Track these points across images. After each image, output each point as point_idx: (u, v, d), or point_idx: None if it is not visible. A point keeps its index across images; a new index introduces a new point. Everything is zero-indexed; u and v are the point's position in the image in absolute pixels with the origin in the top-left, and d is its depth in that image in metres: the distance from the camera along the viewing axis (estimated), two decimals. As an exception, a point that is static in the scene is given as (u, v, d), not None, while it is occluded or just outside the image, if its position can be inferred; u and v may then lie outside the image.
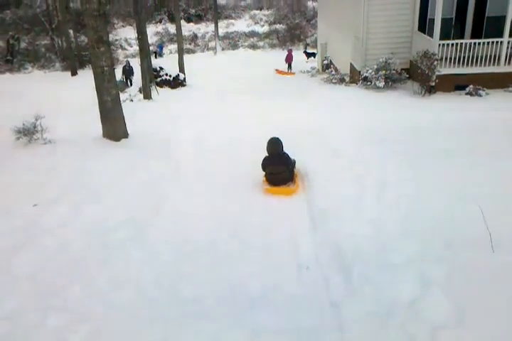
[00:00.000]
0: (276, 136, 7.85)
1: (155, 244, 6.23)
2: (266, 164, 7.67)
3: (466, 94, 13.70)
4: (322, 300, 4.87)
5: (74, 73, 27.90)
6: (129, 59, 29.27)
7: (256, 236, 6.32)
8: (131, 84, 21.34)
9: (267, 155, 7.73)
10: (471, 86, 13.68)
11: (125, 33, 36.68)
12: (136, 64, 19.70)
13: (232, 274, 5.46)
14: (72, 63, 28.34)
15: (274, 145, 7.65)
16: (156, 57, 31.65)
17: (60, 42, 31.64)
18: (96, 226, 6.71)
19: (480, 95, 13.50)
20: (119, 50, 34.10)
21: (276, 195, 7.51)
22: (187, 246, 6.14)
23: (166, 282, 5.39)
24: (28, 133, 10.45)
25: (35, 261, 5.85)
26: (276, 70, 25.62)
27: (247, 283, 5.27)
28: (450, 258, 5.12)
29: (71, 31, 29.88)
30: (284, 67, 25.86)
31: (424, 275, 4.86)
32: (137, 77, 19.17)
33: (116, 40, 35.07)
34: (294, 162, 7.97)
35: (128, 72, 21.68)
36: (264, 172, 7.83)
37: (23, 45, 33.01)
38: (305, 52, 29.45)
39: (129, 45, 35.63)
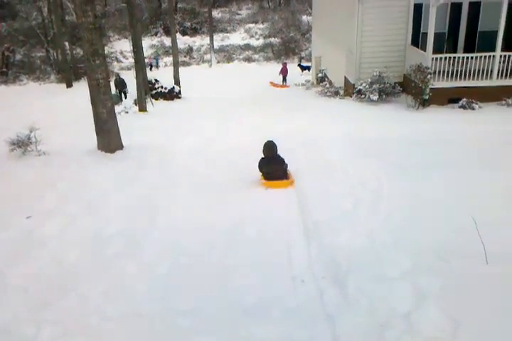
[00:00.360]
0: (271, 140, 8.52)
1: (149, 256, 6.21)
2: (262, 165, 8.40)
3: (460, 107, 13.82)
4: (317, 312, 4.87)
5: (69, 85, 27.96)
6: (124, 71, 29.40)
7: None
8: (125, 97, 20.96)
9: (262, 157, 8.38)
10: (464, 99, 13.81)
11: (120, 46, 36.85)
12: (131, 76, 19.74)
13: (227, 286, 5.43)
14: (68, 75, 28.42)
15: (270, 148, 8.35)
16: (151, 69, 31.78)
17: (55, 54, 31.74)
18: (90, 239, 6.69)
19: (473, 108, 13.62)
20: (115, 63, 34.22)
21: (273, 188, 8.22)
22: (181, 259, 6.11)
23: (160, 294, 5.36)
24: (23, 144, 10.44)
25: (29, 274, 5.82)
26: (271, 83, 25.78)
27: (243, 295, 5.26)
28: (444, 270, 5.12)
29: (66, 43, 29.99)
30: (279, 79, 26.03)
31: (418, 288, 4.86)
32: (131, 90, 19.18)
33: (112, 52, 35.22)
34: (286, 165, 8.54)
35: (120, 84, 21.05)
36: (260, 173, 8.51)
37: (18, 57, 33.09)
38: (299, 65, 29.66)
39: (125, 57, 35.75)
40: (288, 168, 8.59)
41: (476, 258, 5.18)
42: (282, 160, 8.37)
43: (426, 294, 4.74)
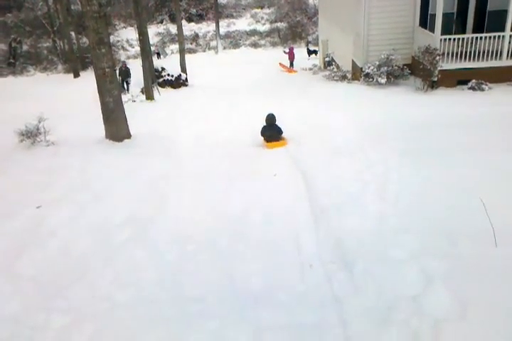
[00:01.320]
0: (272, 113, 10.50)
1: (158, 243, 6.25)
2: (263, 131, 10.48)
3: (469, 88, 13.64)
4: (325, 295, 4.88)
5: (76, 75, 27.95)
6: (129, 60, 29.32)
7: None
8: (127, 88, 20.36)
9: (264, 124, 10.42)
10: (474, 80, 13.62)
11: (126, 34, 36.69)
12: (138, 65, 19.69)
13: (234, 272, 5.46)
14: (74, 65, 28.39)
15: (270, 118, 10.45)
16: (158, 57, 31.63)
17: (61, 44, 31.69)
18: (99, 227, 6.74)
19: (483, 90, 13.44)
20: (121, 51, 34.13)
21: (271, 146, 10.13)
22: (189, 245, 6.15)
23: (168, 281, 5.40)
24: (31, 135, 10.50)
25: (39, 262, 5.88)
26: (280, 64, 25.80)
27: (251, 280, 5.28)
28: (452, 253, 5.10)
29: (73, 33, 29.92)
30: (287, 63, 25.91)
31: (426, 271, 4.85)
32: (138, 78, 19.12)
33: (118, 41, 35.09)
34: (282, 132, 10.40)
35: (124, 73, 20.28)
36: (262, 137, 10.54)
37: (25, 47, 33.08)
38: (308, 49, 29.41)
39: (131, 45, 35.62)
40: (283, 135, 10.46)
41: (485, 241, 5.15)
42: (279, 128, 10.38)
43: (434, 276, 4.72)
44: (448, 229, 5.67)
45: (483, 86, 13.47)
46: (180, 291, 5.20)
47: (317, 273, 5.26)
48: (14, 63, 31.13)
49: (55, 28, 32.17)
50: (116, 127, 10.83)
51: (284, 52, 27.35)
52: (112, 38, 22.64)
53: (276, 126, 10.35)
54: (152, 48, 28.13)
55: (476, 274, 4.69)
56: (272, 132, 10.30)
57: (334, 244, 5.79)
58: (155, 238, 6.37)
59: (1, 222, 6.92)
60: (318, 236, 6.06)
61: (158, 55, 31.99)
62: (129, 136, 11.03)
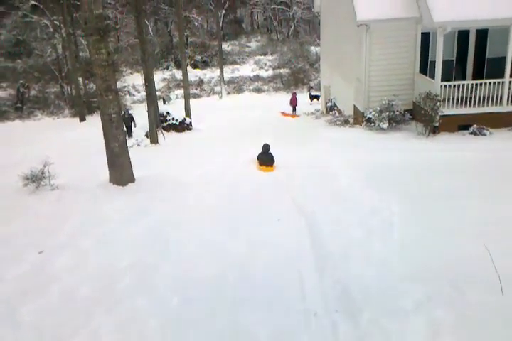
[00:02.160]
0: (267, 143, 12.81)
1: (161, 289, 6.17)
2: (259, 156, 12.65)
3: (470, 133, 13.77)
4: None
5: (82, 119, 28.42)
6: (136, 104, 29.83)
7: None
8: (130, 134, 19.99)
9: (261, 152, 12.63)
10: (475, 126, 13.77)
11: (133, 80, 37.53)
12: (143, 109, 20.02)
13: (238, 320, 5.35)
14: (81, 110, 28.92)
15: (265, 147, 12.64)
16: (164, 103, 32.18)
17: (69, 89, 32.39)
18: (102, 273, 6.68)
19: (484, 134, 13.57)
20: (127, 96, 34.80)
21: (264, 170, 12.00)
22: (193, 292, 6.06)
23: (171, 329, 5.29)
24: (36, 179, 10.55)
25: (41, 310, 5.80)
26: (282, 113, 26.00)
27: (255, 330, 5.16)
28: (459, 301, 5.01)
29: (80, 79, 30.63)
30: (289, 109, 26.25)
31: (433, 320, 4.75)
32: (143, 123, 19.40)
33: (124, 86, 35.85)
34: (274, 160, 12.37)
35: (127, 120, 19.97)
36: (257, 160, 12.63)
37: (33, 92, 33.79)
38: (310, 94, 29.92)
39: (137, 91, 36.36)
40: (275, 163, 12.36)
41: (491, 289, 5.07)
42: (272, 155, 12.41)
43: (441, 327, 4.62)
44: (453, 276, 5.60)
45: (485, 131, 13.60)
46: (183, 339, 5.08)
47: (322, 322, 5.14)
48: (22, 108, 31.71)
49: (63, 74, 32.96)
50: (121, 172, 10.89)
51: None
52: (118, 84, 23.15)
53: (270, 153, 12.54)
54: (159, 93, 28.67)
55: (484, 324, 4.60)
56: (266, 157, 12.48)
57: (339, 291, 5.71)
58: (158, 284, 6.29)
59: (3, 268, 6.88)
60: (322, 283, 5.96)
61: (164, 100, 32.58)
62: (133, 180, 11.07)
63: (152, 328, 5.35)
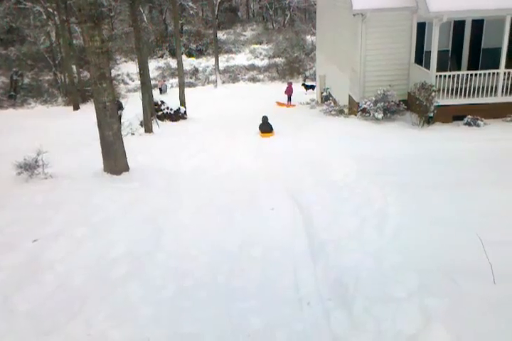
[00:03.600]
0: (266, 115, 16.03)
1: (155, 278, 6.19)
2: (260, 126, 15.97)
3: (465, 124, 13.79)
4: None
5: (76, 108, 28.23)
6: (127, 93, 29.68)
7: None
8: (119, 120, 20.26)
9: (261, 122, 15.92)
10: (469, 116, 13.78)
11: (127, 68, 37.25)
12: (137, 98, 19.89)
13: (232, 309, 5.38)
14: (75, 98, 28.71)
15: (264, 118, 15.98)
16: (161, 92, 31.95)
17: (62, 77, 32.12)
18: (96, 261, 6.68)
19: (478, 125, 13.59)
20: (121, 85, 34.57)
21: (265, 136, 15.20)
22: (187, 281, 6.08)
23: (165, 318, 5.33)
24: (30, 168, 10.50)
25: (35, 298, 5.81)
26: (277, 102, 25.93)
27: (248, 318, 5.20)
28: (451, 291, 5.05)
29: (74, 67, 30.37)
30: (284, 99, 26.18)
31: (425, 309, 4.79)
32: (138, 111, 19.30)
33: (119, 74, 35.58)
34: (272, 128, 15.90)
35: (116, 107, 20.43)
36: (259, 130, 15.90)
37: (26, 80, 33.48)
38: (304, 84, 29.84)
39: (131, 79, 36.10)
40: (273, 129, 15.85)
41: (484, 278, 5.11)
42: (270, 125, 15.92)
43: (433, 315, 4.67)
44: (447, 265, 5.63)
45: (479, 122, 13.62)
46: (176, 328, 5.13)
47: (315, 311, 5.19)
48: (15, 96, 31.45)
49: (57, 62, 32.67)
50: (115, 160, 10.86)
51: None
52: (112, 72, 22.94)
53: (269, 123, 15.91)
54: (153, 82, 28.47)
55: (475, 313, 4.64)
56: (266, 126, 15.85)
57: (333, 280, 5.74)
58: (152, 273, 6.31)
59: (-3, 256, 6.85)
60: (316, 272, 6.00)
61: (161, 90, 32.35)
62: (127, 169, 11.05)
63: (146, 316, 5.38)
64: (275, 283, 5.86)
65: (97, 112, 10.61)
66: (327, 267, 6.06)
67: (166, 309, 5.48)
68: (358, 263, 5.99)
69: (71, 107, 28.54)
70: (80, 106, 28.34)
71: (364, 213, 7.66)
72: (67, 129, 19.52)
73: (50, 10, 30.65)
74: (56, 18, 29.67)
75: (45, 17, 32.74)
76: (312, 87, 28.48)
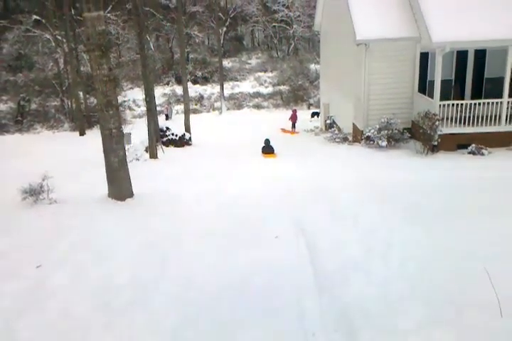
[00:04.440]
0: (267, 138, 17.91)
1: (158, 307, 6.12)
2: (263, 148, 17.56)
3: (469, 153, 13.84)
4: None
5: (82, 133, 28.49)
6: (136, 119, 29.92)
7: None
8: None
9: (263, 145, 17.63)
10: (473, 145, 13.84)
11: (133, 95, 37.69)
12: (143, 124, 20.09)
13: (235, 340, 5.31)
14: (81, 124, 29.00)
15: (266, 141, 17.76)
16: (167, 119, 32.25)
17: (69, 103, 32.52)
18: (100, 288, 6.63)
19: (482, 154, 13.63)
20: (127, 111, 34.92)
21: (267, 157, 16.70)
22: (190, 310, 6.01)
23: (169, 348, 5.24)
24: (35, 193, 10.54)
25: (37, 326, 5.75)
26: (282, 129, 26.13)
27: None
28: (459, 323, 4.97)
29: (81, 93, 30.77)
30: (289, 126, 26.37)
31: (433, 341, 4.71)
32: (144, 137, 19.44)
33: (125, 101, 35.98)
34: (274, 150, 17.46)
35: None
36: (262, 152, 17.53)
37: (33, 106, 33.88)
38: (313, 113, 29.78)
39: (137, 105, 36.50)
40: (275, 151, 17.46)
41: (491, 310, 5.04)
42: (272, 147, 17.48)
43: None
44: (453, 297, 5.57)
45: (483, 150, 13.67)
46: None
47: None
48: (22, 121, 31.79)
49: (64, 88, 33.12)
50: (119, 186, 10.89)
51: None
52: (119, 98, 23.24)
53: (271, 146, 17.60)
54: (159, 108, 28.76)
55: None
56: (268, 148, 17.47)
57: (338, 311, 5.67)
58: (156, 302, 6.24)
59: (1, 282, 6.81)
60: (321, 302, 5.93)
61: (167, 116, 32.65)
62: (132, 195, 11.06)
63: (149, 346, 5.30)
64: (279, 313, 5.78)
65: (103, 139, 10.69)
66: (332, 297, 5.99)
67: (169, 339, 5.40)
68: (363, 293, 5.93)
69: (77, 133, 28.81)
70: (86, 132, 28.59)
71: (369, 242, 7.62)
72: (73, 154, 19.64)
73: (59, 37, 31.25)
74: (65, 45, 30.23)
75: (53, 44, 33.36)
76: (317, 114, 28.69)
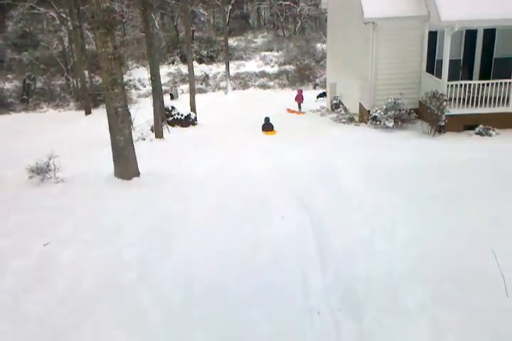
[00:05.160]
0: (268, 116, 18.50)
1: (164, 284, 6.19)
2: (263, 126, 18.25)
3: (476, 133, 13.74)
4: None
5: (88, 112, 28.45)
6: (138, 99, 29.93)
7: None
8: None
9: (263, 123, 18.32)
10: (481, 126, 13.74)
11: (138, 74, 37.47)
12: (148, 104, 20.03)
13: (241, 317, 5.37)
14: (86, 102, 28.93)
15: (266, 119, 18.40)
16: (172, 98, 32.09)
17: (75, 82, 32.41)
18: (106, 266, 6.70)
19: (490, 135, 13.53)
20: (133, 90, 34.78)
21: (267, 134, 17.63)
22: (196, 288, 6.08)
23: (174, 326, 5.31)
24: (41, 172, 10.58)
25: (45, 302, 5.83)
26: (288, 109, 25.95)
27: (258, 326, 5.18)
28: (463, 303, 5.01)
29: (86, 72, 30.64)
30: (295, 106, 26.20)
31: (437, 321, 4.76)
32: (148, 117, 19.41)
33: (130, 80, 35.81)
34: (273, 127, 18.23)
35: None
36: (261, 130, 18.27)
37: (38, 85, 33.80)
38: (319, 94, 29.22)
39: (142, 85, 36.32)
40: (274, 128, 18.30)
41: (497, 291, 5.06)
42: (272, 124, 18.20)
43: (445, 328, 4.63)
44: (458, 277, 5.60)
45: (491, 131, 13.57)
46: (185, 337, 5.11)
47: (325, 321, 5.15)
48: (27, 100, 31.76)
49: (69, 67, 32.98)
50: (125, 165, 10.91)
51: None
52: (124, 78, 23.05)
53: (270, 123, 18.24)
54: (164, 87, 28.61)
55: (488, 326, 4.60)
56: (267, 126, 18.12)
57: (342, 290, 5.71)
58: (162, 279, 6.31)
59: (8, 260, 6.90)
60: (325, 282, 5.97)
61: (172, 96, 32.50)
62: (138, 174, 11.09)
63: (155, 323, 5.38)
64: (284, 292, 5.84)
65: (108, 117, 10.67)
66: (337, 276, 6.03)
67: (175, 316, 5.47)
68: (368, 272, 5.96)
69: (83, 112, 28.77)
70: (92, 111, 28.54)
71: (374, 222, 7.63)
72: (78, 133, 19.66)
73: (64, 15, 30.99)
74: (69, 23, 30.00)
75: (58, 22, 33.11)
76: (324, 95, 28.37)
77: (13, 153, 14.57)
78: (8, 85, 34.16)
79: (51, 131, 21.06)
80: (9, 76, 35.39)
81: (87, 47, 33.47)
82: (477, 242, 6.33)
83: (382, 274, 5.91)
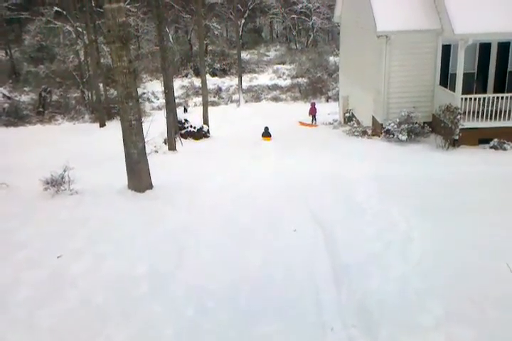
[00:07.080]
0: (267, 126, 20.25)
1: (176, 298, 6.18)
2: (262, 133, 19.97)
3: (491, 147, 13.62)
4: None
5: (102, 125, 28.68)
6: (152, 111, 30.20)
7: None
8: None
9: (263, 131, 20.03)
10: (496, 139, 13.62)
11: (152, 87, 37.78)
12: (162, 116, 20.15)
13: (253, 332, 5.33)
14: (101, 115, 29.19)
15: (266, 128, 20.13)
16: (185, 111, 32.30)
17: (90, 95, 32.77)
18: (119, 279, 6.72)
19: (505, 149, 13.41)
20: (146, 103, 35.06)
21: (265, 140, 19.06)
22: (208, 301, 6.06)
23: (186, 338, 5.28)
24: (56, 184, 10.67)
25: (58, 314, 5.84)
26: (300, 122, 25.94)
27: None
28: (479, 319, 4.92)
29: (101, 85, 30.98)
30: (308, 119, 26.19)
31: (453, 339, 4.67)
32: (162, 129, 19.53)
33: (144, 93, 36.10)
34: (271, 135, 19.90)
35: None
36: (261, 136, 19.74)
37: (54, 97, 34.20)
38: None
39: (156, 97, 36.56)
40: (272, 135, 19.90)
41: (511, 306, 4.97)
42: (270, 133, 20.03)
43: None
44: (473, 292, 5.51)
45: (505, 145, 13.45)
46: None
47: (339, 338, 5.09)
48: (43, 112, 32.12)
49: (85, 80, 33.37)
50: (139, 178, 10.97)
51: None
52: (138, 90, 23.30)
53: (269, 132, 20.13)
54: (178, 100, 28.81)
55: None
56: (266, 133, 20.07)
57: (356, 306, 5.65)
58: (174, 292, 6.31)
59: (22, 271, 6.94)
60: (339, 297, 5.92)
61: (185, 109, 32.74)
62: (151, 186, 11.14)
63: (167, 336, 5.36)
64: (297, 306, 5.79)
65: (122, 130, 10.76)
66: (350, 291, 5.98)
67: (186, 330, 5.45)
68: (382, 288, 5.91)
69: (97, 124, 29.01)
70: (106, 124, 28.80)
71: (387, 237, 7.57)
72: (93, 146, 19.82)
73: (80, 29, 31.45)
74: (85, 37, 30.41)
75: (74, 36, 33.59)
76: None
77: (28, 165, 14.71)
78: (24, 98, 34.59)
79: (66, 143, 21.25)
80: (25, 89, 35.85)
81: (102, 60, 33.86)
82: (492, 256, 6.25)
83: (396, 289, 5.85)
